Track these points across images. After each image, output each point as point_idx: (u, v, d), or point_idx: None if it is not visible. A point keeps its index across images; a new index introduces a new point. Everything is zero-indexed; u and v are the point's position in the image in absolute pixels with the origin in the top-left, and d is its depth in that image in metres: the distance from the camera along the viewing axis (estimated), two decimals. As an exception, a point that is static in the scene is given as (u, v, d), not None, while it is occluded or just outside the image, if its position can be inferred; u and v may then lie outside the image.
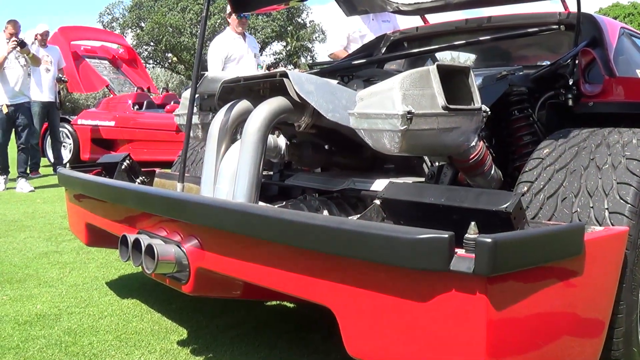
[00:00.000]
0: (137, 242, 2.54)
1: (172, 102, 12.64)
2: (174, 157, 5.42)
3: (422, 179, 3.06)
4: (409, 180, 3.02)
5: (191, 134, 3.19)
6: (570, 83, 3.19)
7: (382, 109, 2.32)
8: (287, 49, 48.03)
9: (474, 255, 1.57)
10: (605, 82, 3.17)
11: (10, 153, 9.37)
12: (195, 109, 3.17)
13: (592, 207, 2.29)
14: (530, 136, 3.09)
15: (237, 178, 2.69)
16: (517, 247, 1.66)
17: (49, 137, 11.05)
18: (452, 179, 2.91)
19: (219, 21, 35.31)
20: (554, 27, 3.69)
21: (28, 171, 9.55)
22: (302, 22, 48.55)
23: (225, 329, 3.28)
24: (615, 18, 39.30)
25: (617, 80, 3.19)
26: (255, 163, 2.68)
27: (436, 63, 2.37)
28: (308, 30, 48.53)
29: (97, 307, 3.65)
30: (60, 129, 11.21)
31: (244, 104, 2.93)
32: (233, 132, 2.94)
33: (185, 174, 3.08)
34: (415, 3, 4.35)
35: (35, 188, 9.01)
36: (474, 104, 2.45)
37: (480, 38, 3.90)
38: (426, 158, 3.17)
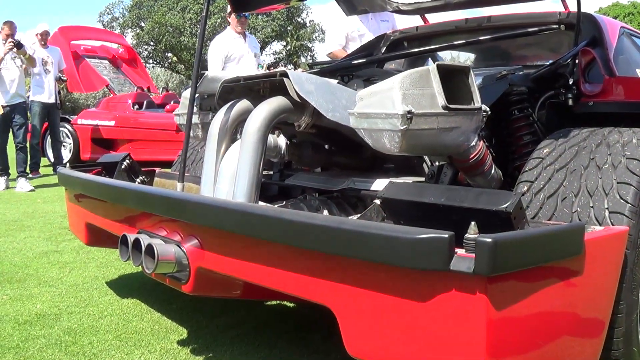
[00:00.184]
0: (137, 242, 2.54)
1: (172, 102, 12.64)
2: (174, 157, 5.42)
3: (422, 179, 3.06)
4: (409, 180, 3.02)
5: (191, 134, 3.18)
6: (570, 83, 3.19)
7: (382, 108, 2.32)
8: (287, 48, 48.00)
9: (474, 255, 1.57)
10: (605, 81, 3.16)
11: (10, 153, 9.36)
12: (195, 109, 3.17)
13: (592, 207, 2.29)
14: (530, 136, 3.09)
15: (237, 178, 2.69)
16: (517, 247, 1.66)
17: (49, 136, 11.05)
18: (452, 179, 2.91)
19: (218, 21, 35.30)
20: (554, 26, 3.69)
21: (28, 170, 9.55)
22: (302, 21, 48.53)
23: (225, 328, 3.28)
24: (615, 17, 39.30)
25: (617, 80, 3.19)
26: (255, 163, 2.68)
27: (436, 63, 2.37)
28: (308, 30, 48.50)
29: (97, 306, 3.65)
30: (60, 128, 11.20)
31: (244, 103, 2.93)
32: (233, 131, 2.94)
33: (185, 174, 3.08)
34: (415, 3, 4.34)
35: (35, 188, 9.01)
36: (474, 104, 2.45)
37: (480, 38, 3.90)
38: (426, 158, 3.16)
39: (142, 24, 44.26)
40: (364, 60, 4.29)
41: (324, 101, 2.70)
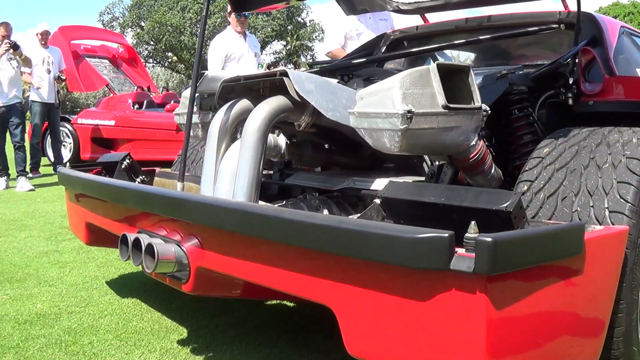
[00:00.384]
0: (137, 242, 2.54)
1: (172, 102, 12.66)
2: (174, 157, 5.42)
3: (422, 178, 3.06)
4: (409, 179, 3.01)
5: (191, 133, 3.18)
6: (571, 82, 3.19)
7: (382, 108, 2.31)
8: (287, 48, 48.02)
9: (474, 254, 1.57)
10: (605, 81, 3.16)
11: (9, 153, 9.36)
12: (195, 108, 3.17)
13: (592, 206, 2.29)
14: (530, 135, 3.09)
15: (237, 177, 2.69)
16: (517, 247, 1.66)
17: (49, 136, 11.05)
18: (452, 178, 2.91)
19: (218, 20, 35.30)
20: (554, 26, 3.68)
21: (27, 169, 9.55)
22: (302, 21, 48.56)
23: (225, 328, 3.28)
24: (615, 17, 39.29)
25: (617, 79, 3.19)
26: (255, 162, 2.68)
27: (436, 62, 2.37)
28: (308, 30, 48.53)
29: (97, 306, 3.65)
30: (61, 128, 11.21)
31: (244, 103, 2.93)
32: (233, 131, 2.94)
33: (186, 173, 3.07)
34: (415, 2, 4.34)
35: (35, 187, 9.01)
36: (474, 103, 2.44)
37: (480, 37, 3.90)
38: (426, 157, 3.16)
39: (142, 24, 44.28)
40: (364, 59, 4.29)
41: (323, 100, 2.70)
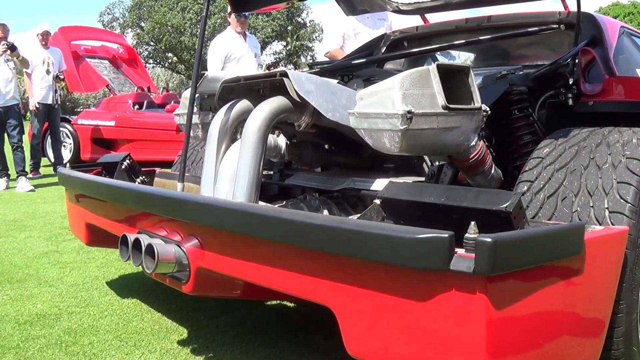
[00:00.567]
0: (137, 242, 2.54)
1: (172, 102, 12.65)
2: (174, 157, 5.42)
3: (422, 179, 3.06)
4: (409, 179, 3.02)
5: (191, 134, 3.18)
6: (570, 82, 3.19)
7: (382, 108, 2.31)
8: (288, 48, 48.04)
9: (474, 254, 1.57)
10: (605, 81, 3.16)
11: (9, 155, 9.37)
12: (195, 109, 3.17)
13: (592, 207, 2.29)
14: (530, 135, 3.09)
15: (237, 178, 2.69)
16: (517, 247, 1.66)
17: (49, 137, 11.05)
18: (452, 179, 2.91)
19: (219, 21, 35.32)
20: (554, 26, 3.68)
21: (27, 169, 9.55)
22: (302, 21, 48.59)
23: (225, 328, 3.28)
24: (615, 17, 39.24)
25: (617, 80, 3.19)
26: (255, 163, 2.68)
27: (436, 62, 2.37)
28: (308, 30, 48.55)
29: (97, 306, 3.66)
30: (61, 128, 11.21)
31: (244, 103, 2.93)
32: (233, 131, 2.94)
33: (186, 174, 3.08)
34: (415, 2, 4.33)
35: (35, 188, 9.01)
36: (474, 104, 2.44)
37: (480, 37, 3.90)
38: (426, 157, 3.16)
39: (143, 24, 44.29)
40: (364, 60, 4.29)
41: (323, 101, 2.70)
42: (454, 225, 1.72)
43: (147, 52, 45.43)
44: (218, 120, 2.93)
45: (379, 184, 2.88)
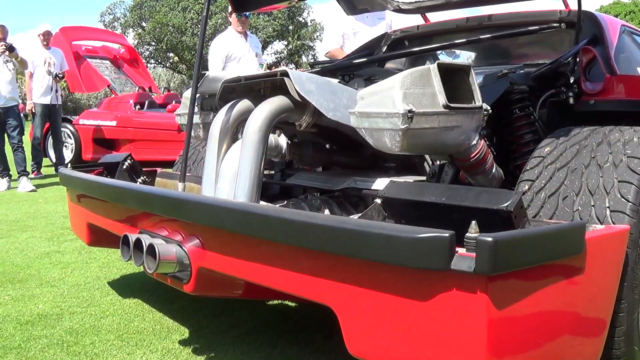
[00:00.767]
0: (138, 242, 2.54)
1: (173, 102, 12.65)
2: (175, 157, 5.42)
3: (424, 178, 3.06)
4: (410, 178, 3.01)
5: (192, 134, 3.18)
6: (571, 81, 3.18)
7: (383, 107, 2.31)
8: (289, 48, 48.03)
9: (474, 254, 1.57)
10: (606, 80, 3.16)
11: (10, 155, 9.38)
12: (196, 109, 3.17)
13: (593, 206, 2.29)
14: (531, 134, 3.09)
15: (238, 177, 2.69)
16: (518, 246, 1.66)
17: (50, 137, 11.06)
18: (453, 178, 2.91)
19: (219, 20, 35.32)
20: (555, 25, 3.68)
21: (28, 169, 9.56)
22: (303, 21, 48.56)
23: (226, 328, 3.28)
24: (616, 16, 39.20)
25: (618, 78, 3.18)
26: (256, 162, 2.68)
27: (437, 62, 2.37)
28: (309, 29, 48.52)
29: (98, 306, 3.66)
30: (62, 129, 11.22)
31: (244, 103, 2.93)
32: (234, 131, 2.94)
33: (187, 174, 3.08)
34: (416, 1, 4.33)
35: (37, 188, 9.02)
36: (474, 103, 2.44)
37: (481, 36, 3.90)
38: (427, 157, 3.16)
39: (144, 24, 44.30)
40: (365, 59, 4.29)
41: (324, 100, 2.70)
42: (455, 224, 1.72)
43: (148, 52, 45.41)
44: (219, 120, 2.93)
45: (380, 184, 2.88)
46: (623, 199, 2.25)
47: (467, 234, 1.62)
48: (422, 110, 2.27)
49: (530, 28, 3.70)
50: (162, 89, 16.62)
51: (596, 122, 2.80)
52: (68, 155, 11.87)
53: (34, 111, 9.99)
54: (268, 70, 6.80)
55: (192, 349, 3.03)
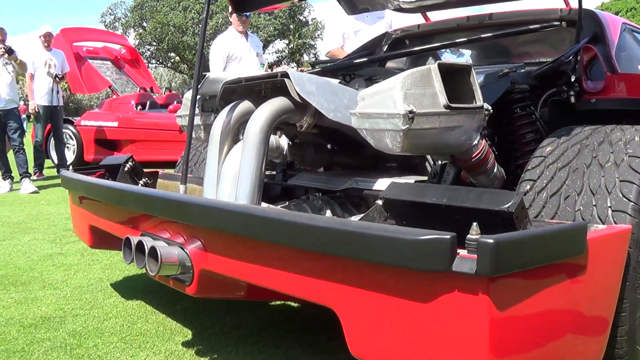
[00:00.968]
0: (140, 244, 2.54)
1: (175, 102, 12.64)
2: (177, 157, 5.42)
3: (425, 178, 3.05)
4: (412, 179, 3.01)
5: (193, 135, 3.18)
6: (573, 80, 3.18)
7: (384, 108, 2.31)
8: (290, 46, 48.05)
9: (476, 256, 1.57)
10: (608, 78, 3.16)
11: (11, 157, 9.39)
12: (197, 110, 3.17)
13: (594, 205, 2.29)
14: (533, 134, 3.09)
15: (240, 179, 2.69)
16: (519, 248, 1.66)
17: (52, 138, 11.06)
18: (455, 178, 2.90)
19: (220, 20, 35.33)
20: (556, 23, 3.68)
21: (30, 171, 9.57)
22: (304, 19, 48.59)
23: (229, 329, 3.29)
24: (617, 12, 39.13)
25: (619, 77, 3.18)
26: (257, 164, 2.68)
27: (437, 62, 2.36)
28: (310, 28, 48.55)
29: (101, 309, 3.66)
30: (64, 130, 11.22)
31: (245, 104, 2.93)
32: (235, 133, 2.94)
33: (188, 175, 3.08)
34: (416, 0, 4.33)
35: (39, 189, 9.04)
36: (475, 103, 2.44)
37: (482, 35, 3.90)
38: (429, 157, 3.16)
39: (145, 24, 44.34)
40: (366, 59, 4.28)
41: (325, 101, 2.70)
42: (456, 225, 1.72)
43: (149, 52, 45.49)
44: (220, 121, 2.93)
45: (382, 184, 2.88)
46: (625, 199, 2.25)
47: (469, 236, 1.63)
48: (423, 111, 2.27)
49: (531, 27, 3.70)
50: (164, 89, 16.59)
51: (597, 121, 2.80)
52: (70, 156, 11.88)
53: (37, 111, 10.00)
54: (269, 70, 6.80)
55: (195, 350, 3.03)
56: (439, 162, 2.97)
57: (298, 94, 2.66)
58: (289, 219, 2.06)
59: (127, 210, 3.06)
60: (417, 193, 2.22)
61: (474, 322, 1.62)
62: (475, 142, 2.59)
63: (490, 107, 2.48)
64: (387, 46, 4.78)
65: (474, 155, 2.64)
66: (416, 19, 5.04)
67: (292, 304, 3.58)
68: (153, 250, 2.46)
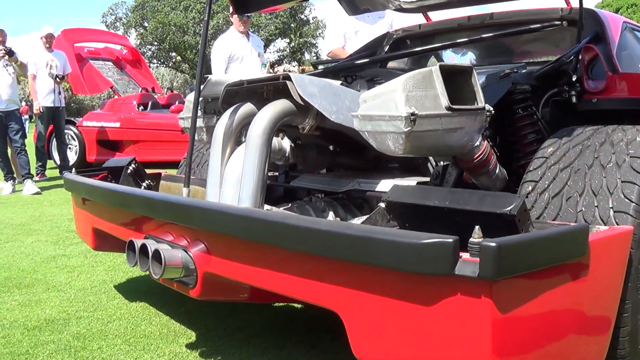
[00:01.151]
0: (144, 248, 2.55)
1: (176, 102, 12.67)
2: (179, 157, 5.42)
3: (427, 179, 3.06)
4: (414, 180, 3.02)
5: (196, 137, 3.19)
6: (574, 80, 3.19)
7: (386, 110, 2.32)
8: (291, 45, 48.05)
9: (478, 259, 1.58)
10: (609, 78, 3.16)
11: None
12: (199, 112, 3.17)
13: (596, 206, 2.29)
14: (534, 134, 3.09)
15: (243, 181, 2.70)
16: (522, 251, 1.66)
17: (54, 139, 11.08)
18: (457, 179, 2.91)
19: (221, 20, 35.34)
20: (557, 23, 3.68)
21: (32, 172, 9.58)
22: (305, 18, 48.58)
23: (233, 331, 3.30)
24: (618, 9, 39.05)
25: (621, 77, 3.18)
26: (260, 166, 2.69)
27: (439, 63, 2.37)
28: (311, 27, 48.55)
29: (105, 311, 3.67)
30: (66, 131, 11.24)
31: (247, 107, 2.94)
32: (238, 135, 2.95)
33: (191, 177, 3.08)
34: (417, 0, 4.34)
35: (41, 190, 9.05)
36: (477, 104, 2.45)
37: (483, 35, 3.90)
38: (431, 158, 3.17)
39: (146, 24, 44.36)
40: (367, 60, 4.29)
41: (327, 103, 2.71)
42: (458, 227, 1.73)
43: (150, 52, 45.53)
44: (222, 124, 2.94)
45: (384, 185, 2.89)
46: (626, 200, 2.25)
47: (471, 239, 1.64)
48: (424, 113, 2.28)
49: (532, 26, 3.70)
50: (165, 90, 16.62)
51: (599, 121, 2.80)
52: (72, 157, 11.90)
53: (41, 111, 10.01)
54: (270, 70, 6.79)
55: (199, 352, 3.04)
56: (441, 163, 2.97)
57: (300, 97, 2.67)
58: (292, 223, 2.07)
59: (130, 213, 3.07)
60: (419, 196, 2.23)
61: (477, 325, 1.63)
62: (477, 143, 2.59)
63: (491, 108, 2.49)
64: (388, 46, 4.79)
65: (476, 156, 2.65)
66: (417, 19, 5.05)
67: (296, 305, 3.58)
68: (157, 253, 2.47)
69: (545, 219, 2.38)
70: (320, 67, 5.79)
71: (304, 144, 3.24)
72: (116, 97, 13.80)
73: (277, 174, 3.80)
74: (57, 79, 10.13)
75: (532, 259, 1.70)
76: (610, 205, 2.27)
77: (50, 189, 9.46)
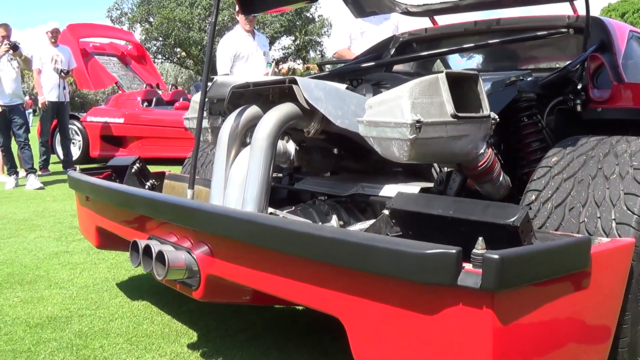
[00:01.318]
0: (147, 248, 2.55)
1: (181, 99, 12.69)
2: (183, 154, 5.43)
3: (431, 184, 3.07)
4: (418, 185, 3.02)
5: (201, 138, 3.20)
6: (579, 88, 3.19)
7: (391, 117, 2.33)
8: (296, 43, 48.03)
9: (481, 270, 1.58)
10: (614, 87, 3.16)
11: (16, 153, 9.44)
12: (204, 113, 3.18)
13: (599, 218, 2.30)
14: (539, 142, 3.10)
15: (247, 184, 2.71)
16: (524, 263, 1.67)
17: (58, 134, 11.10)
18: (461, 186, 2.92)
19: (226, 17, 35.33)
20: (563, 30, 3.69)
21: (36, 166, 9.59)
22: (310, 16, 48.52)
23: (235, 331, 3.31)
24: (624, 13, 38.95)
25: (626, 86, 3.19)
26: (264, 169, 2.70)
27: (445, 71, 2.38)
28: (317, 25, 48.51)
29: (107, 309, 3.68)
30: (70, 126, 11.26)
31: (253, 109, 2.94)
32: (243, 137, 2.96)
33: (196, 177, 3.09)
34: (424, 4, 4.35)
35: (45, 185, 9.06)
36: (482, 111, 2.46)
37: (489, 41, 3.90)
38: (435, 164, 3.17)
39: (151, 19, 44.36)
40: (373, 63, 4.29)
41: (332, 108, 2.71)
42: (462, 237, 1.74)
43: (155, 48, 45.52)
44: (228, 126, 2.95)
45: (388, 190, 2.90)
46: (629, 212, 2.26)
47: (474, 250, 1.64)
48: (430, 120, 2.29)
49: (538, 33, 3.71)
50: (170, 86, 16.65)
51: (603, 130, 2.81)
52: (75, 152, 11.92)
53: (46, 104, 10.04)
54: (275, 68, 6.79)
55: (200, 352, 3.05)
56: (445, 168, 2.98)
57: (306, 100, 2.68)
58: (295, 229, 2.08)
59: (134, 213, 3.08)
60: (423, 204, 2.23)
61: (478, 336, 1.63)
62: (482, 150, 2.60)
63: (497, 116, 2.50)
64: (394, 49, 4.79)
65: (480, 163, 2.66)
66: (423, 22, 5.05)
67: (297, 307, 3.59)
68: (160, 254, 2.48)
69: (548, 228, 2.38)
70: (326, 67, 5.81)
71: (309, 147, 3.25)
72: (120, 92, 13.81)
73: (280, 175, 3.80)
74: (62, 73, 10.15)
75: (534, 271, 1.71)
76: (613, 217, 2.28)
77: (53, 184, 9.47)
